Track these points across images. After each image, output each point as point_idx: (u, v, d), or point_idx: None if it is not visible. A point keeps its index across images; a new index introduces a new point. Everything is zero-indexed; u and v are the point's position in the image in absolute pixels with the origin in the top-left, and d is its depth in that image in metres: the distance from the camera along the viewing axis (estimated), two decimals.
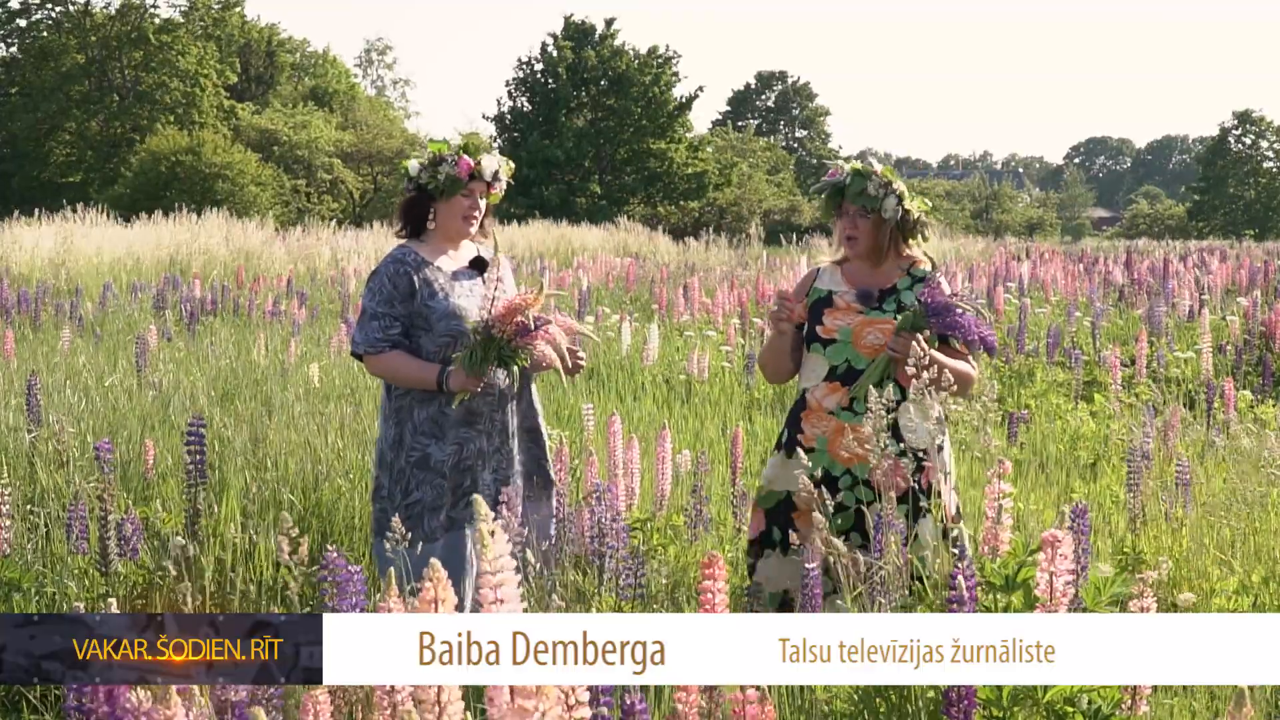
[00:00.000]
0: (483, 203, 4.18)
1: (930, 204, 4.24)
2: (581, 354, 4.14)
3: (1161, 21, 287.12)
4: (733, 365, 10.46)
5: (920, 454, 3.68)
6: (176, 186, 36.56)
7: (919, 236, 4.16)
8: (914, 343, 3.73)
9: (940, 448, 3.98)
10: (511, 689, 2.02)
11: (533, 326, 3.87)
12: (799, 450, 3.95)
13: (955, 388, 3.88)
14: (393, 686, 2.32)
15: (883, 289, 4.11)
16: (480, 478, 4.12)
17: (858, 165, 4.16)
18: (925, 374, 3.56)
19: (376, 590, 3.39)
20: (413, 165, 4.13)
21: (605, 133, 47.73)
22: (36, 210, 23.14)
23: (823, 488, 3.69)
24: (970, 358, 4.07)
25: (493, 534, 2.05)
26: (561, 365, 3.97)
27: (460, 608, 3.91)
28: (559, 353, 3.93)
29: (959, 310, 3.88)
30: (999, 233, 50.11)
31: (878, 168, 4.11)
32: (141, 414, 7.46)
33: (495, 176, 4.15)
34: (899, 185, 4.09)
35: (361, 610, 2.66)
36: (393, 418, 4.14)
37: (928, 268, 4.13)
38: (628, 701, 2.31)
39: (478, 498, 2.15)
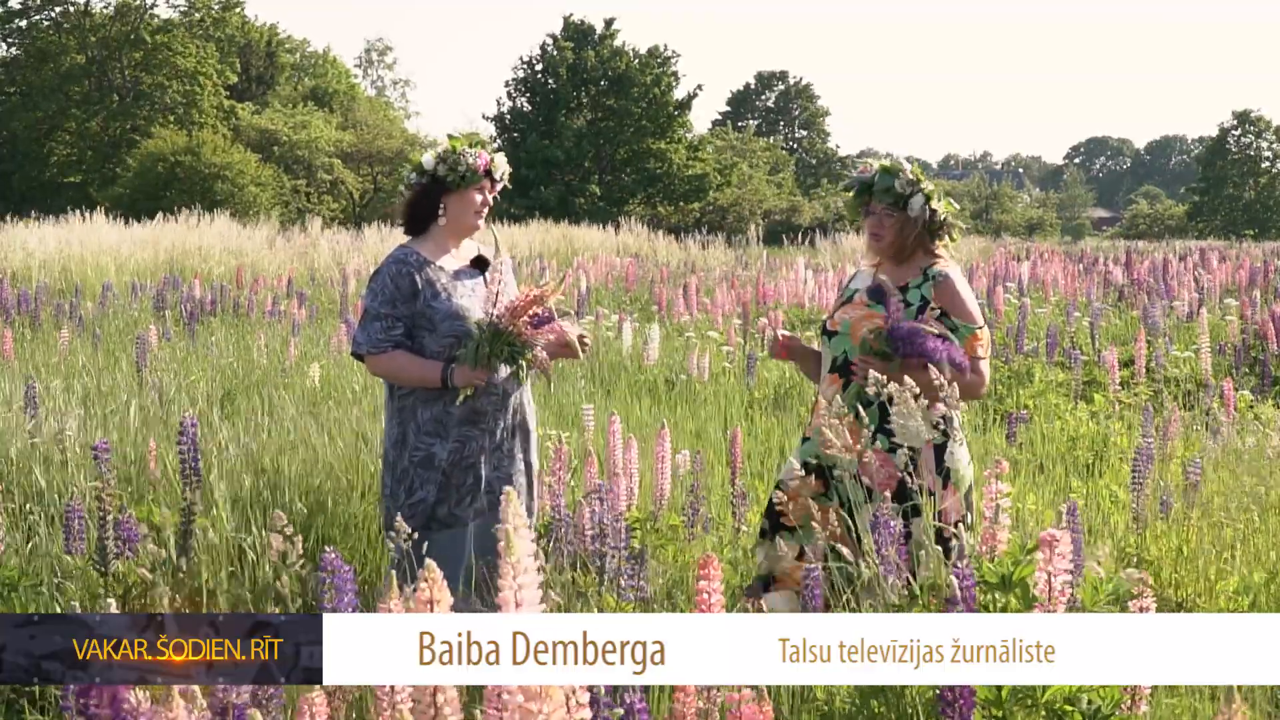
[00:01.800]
0: (489, 199, 4.23)
1: (958, 206, 4.21)
2: (586, 334, 4.26)
3: (1161, 21, 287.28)
4: (733, 365, 10.45)
5: (912, 452, 3.67)
6: (176, 187, 36.53)
7: (946, 237, 4.15)
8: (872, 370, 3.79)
9: (944, 449, 3.97)
10: (522, 691, 2.01)
11: (554, 316, 4.01)
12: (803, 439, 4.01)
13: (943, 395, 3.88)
14: (394, 687, 2.31)
15: (899, 286, 4.10)
16: (481, 475, 4.13)
17: (885, 164, 4.14)
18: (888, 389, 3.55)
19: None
20: (427, 159, 4.13)
21: (605, 133, 47.69)
22: (36, 210, 23.13)
23: (813, 476, 3.72)
24: (977, 366, 4.02)
25: (517, 531, 2.05)
26: (580, 349, 4.13)
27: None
28: (569, 340, 4.09)
29: (922, 334, 3.84)
30: (999, 233, 50.06)
31: (907, 167, 4.10)
32: (140, 414, 7.45)
33: (501, 177, 4.25)
34: (927, 185, 4.07)
35: (356, 610, 2.66)
36: (396, 418, 4.16)
37: (942, 268, 4.11)
38: (627, 700, 2.30)
39: (510, 490, 2.17)
